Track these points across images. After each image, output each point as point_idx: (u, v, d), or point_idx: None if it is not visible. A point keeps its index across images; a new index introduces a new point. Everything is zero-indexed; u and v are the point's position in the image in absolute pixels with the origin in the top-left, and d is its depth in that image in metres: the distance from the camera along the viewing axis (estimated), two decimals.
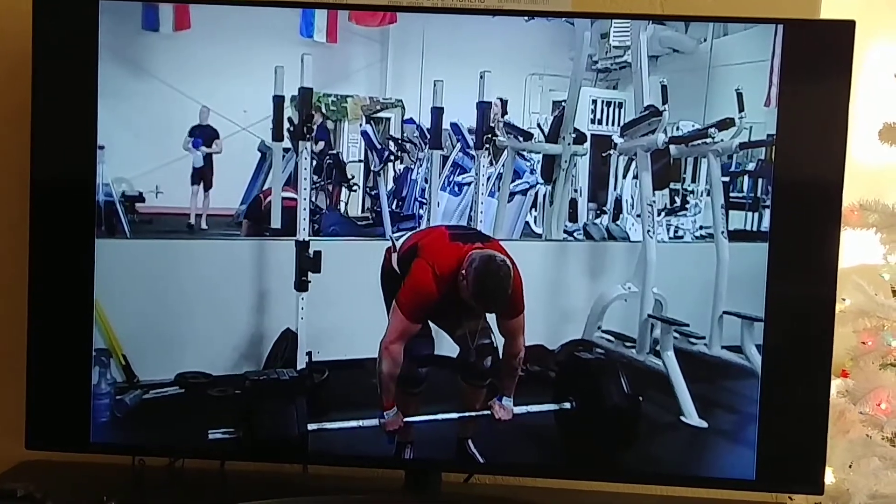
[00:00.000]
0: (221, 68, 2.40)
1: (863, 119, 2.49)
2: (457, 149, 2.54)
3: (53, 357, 2.44)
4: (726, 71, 2.40)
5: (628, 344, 2.52)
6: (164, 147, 2.43)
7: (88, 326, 2.42)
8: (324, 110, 2.48)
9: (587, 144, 2.56)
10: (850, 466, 2.51)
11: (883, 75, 2.53)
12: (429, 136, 2.46)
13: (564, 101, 2.49)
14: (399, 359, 2.39)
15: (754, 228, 2.41)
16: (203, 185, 2.46)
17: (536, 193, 2.61)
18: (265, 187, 2.48)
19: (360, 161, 2.55)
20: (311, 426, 2.41)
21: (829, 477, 2.46)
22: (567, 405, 2.48)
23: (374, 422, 2.42)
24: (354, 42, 2.43)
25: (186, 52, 2.39)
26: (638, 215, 2.52)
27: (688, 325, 2.46)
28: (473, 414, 2.46)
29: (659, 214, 2.51)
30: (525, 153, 2.57)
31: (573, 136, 2.54)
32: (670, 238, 2.54)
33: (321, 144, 2.50)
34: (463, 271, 2.34)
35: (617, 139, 2.51)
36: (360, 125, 2.51)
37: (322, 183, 2.52)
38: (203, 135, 2.43)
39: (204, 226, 2.49)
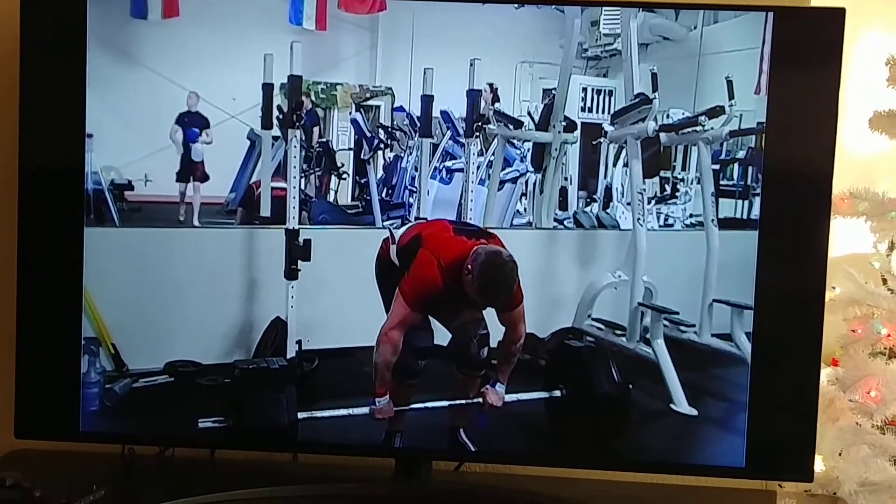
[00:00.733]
0: (210, 56, 2.40)
1: (853, 107, 2.49)
2: (447, 137, 2.53)
3: (42, 346, 2.43)
4: (716, 59, 2.40)
5: (618, 332, 2.52)
6: (153, 135, 2.42)
7: (77, 315, 2.41)
8: (313, 98, 2.47)
9: (577, 132, 2.56)
10: (839, 454, 2.52)
11: (873, 63, 2.53)
12: (419, 124, 2.45)
13: (554, 88, 2.49)
14: (398, 346, 2.39)
15: (744, 216, 2.41)
16: (194, 178, 2.45)
17: (527, 181, 2.61)
18: (255, 178, 2.47)
19: (349, 149, 2.55)
20: (301, 415, 2.41)
21: (819, 465, 2.47)
22: (557, 393, 2.49)
23: (365, 410, 2.41)
24: (344, 29, 2.42)
25: (175, 39, 2.38)
26: (628, 203, 2.52)
27: (678, 313, 2.46)
28: (465, 402, 2.46)
29: (649, 202, 2.51)
30: (515, 141, 2.57)
31: (563, 124, 2.54)
32: (660, 226, 2.55)
33: (316, 131, 2.49)
34: (468, 265, 2.32)
35: (607, 127, 2.50)
36: (350, 113, 2.50)
37: (311, 171, 2.52)
38: (193, 124, 2.42)
39: (196, 222, 2.48)
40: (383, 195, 2.56)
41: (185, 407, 2.45)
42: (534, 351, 2.49)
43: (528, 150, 2.59)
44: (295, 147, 2.42)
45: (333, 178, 2.56)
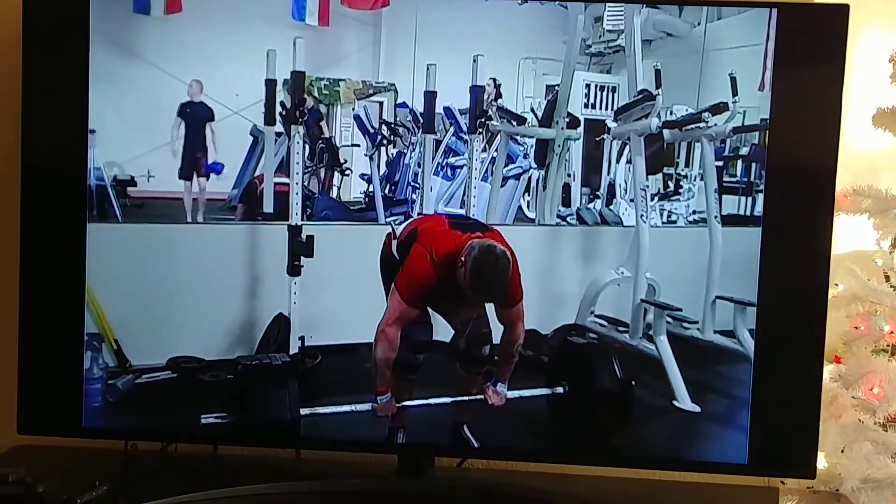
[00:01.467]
0: (213, 52, 2.39)
1: (856, 104, 2.48)
2: (450, 133, 2.53)
3: (45, 342, 2.43)
4: (720, 55, 2.39)
5: (621, 328, 2.52)
6: (156, 131, 2.42)
7: (80, 311, 2.41)
8: (316, 94, 2.47)
9: (580, 129, 2.56)
10: (842, 451, 2.51)
11: (877, 60, 2.52)
12: (422, 121, 2.45)
13: (558, 85, 2.49)
14: (395, 343, 2.39)
15: (747, 213, 2.40)
16: (198, 174, 2.44)
17: (530, 178, 2.61)
18: (257, 172, 2.47)
19: (353, 145, 2.55)
20: (303, 411, 2.41)
21: (822, 461, 2.47)
22: (560, 390, 2.48)
23: (367, 406, 2.42)
24: (347, 25, 2.42)
25: (178, 35, 2.38)
26: (631, 200, 2.52)
27: (681, 310, 2.46)
28: (468, 398, 2.46)
29: (652, 199, 2.51)
30: (518, 137, 2.57)
31: (566, 120, 2.53)
32: (663, 223, 2.54)
33: (321, 127, 2.49)
34: (462, 258, 2.32)
35: (610, 123, 2.50)
36: (353, 109, 2.50)
37: (314, 167, 2.52)
38: (196, 115, 2.40)
39: (200, 219, 2.48)
40: (386, 191, 2.56)
41: (187, 403, 2.45)
42: (537, 347, 2.49)
43: (532, 147, 2.59)
44: (298, 143, 2.42)
45: (336, 174, 2.56)
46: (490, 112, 2.45)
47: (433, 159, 2.53)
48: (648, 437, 2.45)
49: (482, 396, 2.46)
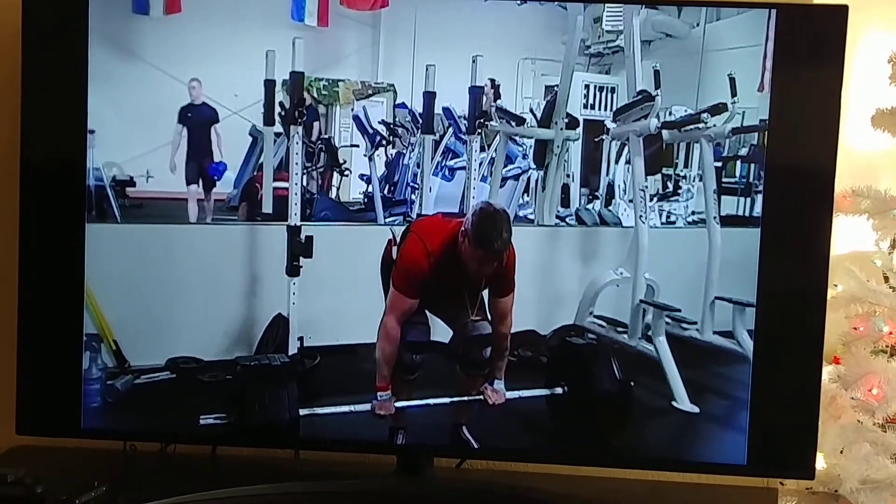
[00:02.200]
0: (212, 52, 2.39)
1: (855, 105, 2.48)
2: (449, 133, 2.53)
3: (44, 342, 2.43)
4: (719, 56, 2.39)
5: (620, 329, 2.52)
6: (155, 131, 2.42)
7: (79, 311, 2.41)
8: (315, 94, 2.47)
9: (580, 129, 2.56)
10: (841, 452, 2.52)
11: (876, 61, 2.52)
12: (421, 121, 2.45)
13: (557, 85, 2.49)
14: (394, 335, 2.39)
15: (746, 214, 2.40)
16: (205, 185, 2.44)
17: (529, 178, 2.61)
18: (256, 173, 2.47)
19: (352, 145, 2.55)
20: (302, 411, 2.41)
21: (821, 462, 2.47)
22: (559, 390, 2.48)
23: (366, 407, 2.42)
24: (346, 26, 2.42)
25: (177, 35, 2.38)
26: (630, 200, 2.52)
27: (680, 311, 2.46)
28: (467, 399, 2.46)
29: (651, 199, 2.51)
30: (517, 138, 2.57)
31: (566, 120, 2.53)
32: (662, 223, 2.54)
33: (316, 127, 2.49)
34: (462, 229, 2.33)
35: (609, 124, 2.50)
36: (352, 109, 2.50)
37: (313, 168, 2.52)
38: (200, 119, 2.39)
39: (209, 220, 2.47)
40: (385, 192, 2.56)
41: (186, 403, 2.45)
42: (536, 348, 2.49)
43: (531, 147, 2.59)
44: (297, 143, 2.42)
45: (335, 174, 2.56)
46: (489, 112, 2.45)
47: (432, 160, 2.53)
48: (647, 438, 2.45)
49: (481, 397, 2.46)
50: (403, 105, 2.45)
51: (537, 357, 2.50)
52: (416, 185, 2.53)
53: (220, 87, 2.40)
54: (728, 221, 2.46)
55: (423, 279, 2.39)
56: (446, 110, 2.45)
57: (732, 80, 2.38)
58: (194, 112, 2.39)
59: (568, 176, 2.59)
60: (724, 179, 2.48)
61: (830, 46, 2.27)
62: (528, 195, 2.61)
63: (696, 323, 2.48)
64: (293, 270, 2.43)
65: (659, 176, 2.55)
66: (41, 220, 2.42)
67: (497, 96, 2.43)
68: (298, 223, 2.44)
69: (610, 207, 2.57)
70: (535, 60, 2.46)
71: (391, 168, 2.57)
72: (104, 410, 2.45)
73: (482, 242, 2.32)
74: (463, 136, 2.50)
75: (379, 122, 2.54)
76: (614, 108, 2.51)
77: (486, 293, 2.43)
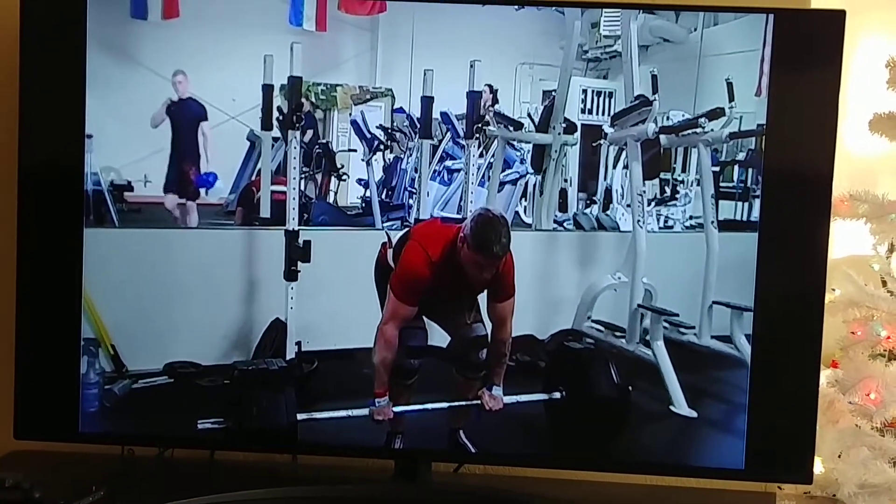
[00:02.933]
0: (210, 57, 2.39)
1: (853, 109, 2.49)
2: (447, 138, 2.53)
3: (42, 347, 2.43)
4: (717, 60, 2.39)
5: (618, 334, 2.52)
6: (153, 136, 2.42)
7: (77, 316, 2.41)
8: (313, 99, 2.47)
9: (577, 134, 2.56)
10: (839, 456, 2.52)
11: (873, 65, 2.53)
12: (419, 126, 2.45)
13: (555, 90, 2.49)
14: (393, 342, 2.39)
15: (744, 218, 2.41)
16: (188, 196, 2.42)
17: (526, 183, 2.61)
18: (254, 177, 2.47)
19: (349, 150, 2.55)
20: (300, 416, 2.41)
21: (819, 467, 2.47)
22: (557, 395, 2.48)
23: (364, 412, 2.41)
24: (344, 31, 2.42)
25: (175, 40, 2.38)
26: (628, 205, 2.52)
27: (677, 315, 2.46)
28: (465, 404, 2.46)
29: (649, 204, 2.51)
30: (515, 143, 2.57)
31: (563, 125, 2.54)
32: (660, 228, 2.54)
33: (309, 133, 2.49)
34: (461, 235, 2.33)
35: (607, 129, 2.50)
36: (350, 114, 2.50)
37: (311, 172, 2.52)
38: (185, 114, 2.37)
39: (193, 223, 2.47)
40: (383, 196, 2.56)
41: (184, 408, 2.45)
42: (533, 353, 2.49)
43: (528, 152, 2.59)
44: (295, 148, 2.42)
45: (333, 179, 2.56)
46: (487, 117, 2.46)
47: (430, 165, 2.53)
48: (645, 443, 2.45)
49: (479, 402, 2.46)
50: (401, 110, 2.45)
51: (535, 362, 2.50)
52: (414, 190, 2.53)
53: (218, 91, 2.40)
54: (726, 226, 2.46)
55: (424, 287, 2.39)
56: (444, 115, 2.45)
57: (730, 85, 2.38)
58: (179, 108, 2.37)
59: (566, 181, 2.59)
60: (721, 184, 2.48)
61: (828, 51, 2.27)
62: (525, 200, 2.61)
63: (693, 327, 2.48)
64: (291, 275, 2.43)
65: (657, 180, 2.55)
66: (39, 224, 2.42)
67: (495, 101, 2.44)
68: (296, 228, 2.44)
69: (608, 212, 2.57)
70: (533, 65, 2.46)
71: (389, 173, 2.57)
72: (102, 415, 2.45)
73: (482, 248, 2.32)
74: (461, 141, 2.50)
75: (377, 127, 2.54)
76: (612, 113, 2.51)
77: (484, 297, 2.43)
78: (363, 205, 2.57)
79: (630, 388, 2.44)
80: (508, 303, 2.41)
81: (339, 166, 2.55)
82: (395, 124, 2.51)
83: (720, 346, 2.46)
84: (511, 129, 2.51)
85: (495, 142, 2.54)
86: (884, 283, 2.56)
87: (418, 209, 2.51)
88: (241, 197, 2.47)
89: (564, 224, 2.56)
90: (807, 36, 2.29)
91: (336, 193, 2.57)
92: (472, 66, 2.38)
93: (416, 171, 2.53)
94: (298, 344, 2.46)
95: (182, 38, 2.38)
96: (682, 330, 2.47)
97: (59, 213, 2.41)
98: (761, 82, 2.33)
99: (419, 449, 2.48)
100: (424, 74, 2.39)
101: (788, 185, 2.32)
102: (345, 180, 2.56)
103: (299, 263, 2.43)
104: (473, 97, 2.41)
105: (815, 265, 2.31)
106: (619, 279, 2.50)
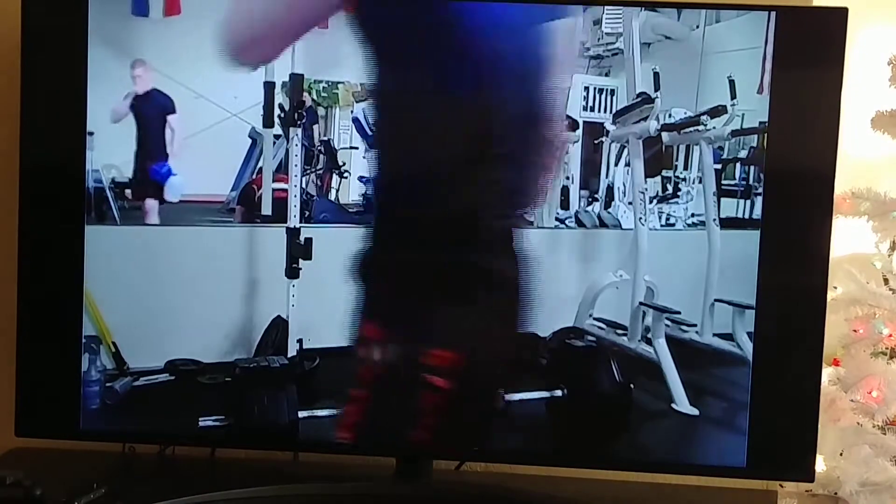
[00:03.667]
0: (212, 54, 2.39)
1: (855, 107, 2.48)
2: None
3: (43, 344, 2.43)
4: (719, 58, 2.39)
5: (619, 331, 2.51)
6: None
7: (78, 313, 2.41)
8: (314, 97, 2.46)
9: (579, 131, 2.55)
10: (840, 454, 2.52)
11: (876, 63, 2.53)
12: None
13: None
14: None
15: (746, 216, 2.40)
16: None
17: None
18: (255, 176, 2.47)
19: (351, 147, 2.54)
20: (301, 413, 2.41)
21: (820, 465, 2.47)
22: (558, 393, 2.48)
23: None
24: (346, 28, 2.41)
25: (177, 37, 2.38)
26: (630, 203, 2.52)
27: (679, 313, 2.45)
28: None
29: (651, 202, 2.51)
30: None
31: (565, 122, 2.53)
32: (662, 226, 2.54)
33: (316, 130, 2.49)
34: None
35: (609, 126, 2.50)
36: (352, 112, 2.50)
37: (312, 170, 2.51)
38: (149, 109, 2.34)
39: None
40: None
41: (185, 405, 2.45)
42: (535, 350, 2.49)
43: None
44: (296, 146, 2.42)
45: (335, 176, 2.56)
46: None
47: None
48: (647, 441, 2.45)
49: None
50: None
51: (537, 359, 2.50)
52: None
53: (219, 88, 2.39)
54: (727, 224, 2.46)
55: None
56: None
57: (732, 83, 2.37)
58: (142, 102, 2.34)
59: (567, 178, 2.59)
60: (723, 182, 2.48)
61: (830, 48, 2.27)
62: None
63: (695, 325, 2.48)
64: (292, 272, 2.43)
65: (658, 178, 2.54)
66: (40, 221, 2.42)
67: None
68: (298, 225, 2.44)
69: (609, 210, 2.56)
70: None
71: None
72: (103, 412, 2.45)
73: None
74: None
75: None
76: (614, 111, 2.50)
77: None
78: (365, 202, 2.57)
79: (632, 385, 2.44)
80: None
81: (340, 164, 2.55)
82: None
83: (722, 344, 2.46)
84: None
85: None
86: (886, 281, 2.56)
87: None
88: (242, 195, 2.47)
89: (566, 222, 2.55)
90: (809, 33, 2.29)
91: (338, 191, 2.56)
92: None
93: None
94: (300, 341, 2.46)
95: (183, 35, 2.38)
96: (684, 328, 2.47)
97: (61, 210, 2.41)
98: (763, 80, 2.32)
99: (421, 446, 2.48)
100: None
101: (790, 182, 2.32)
102: (346, 178, 2.56)
103: (301, 261, 2.43)
104: None
105: (817, 263, 2.31)
106: (620, 277, 2.50)
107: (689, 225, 2.54)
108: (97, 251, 2.41)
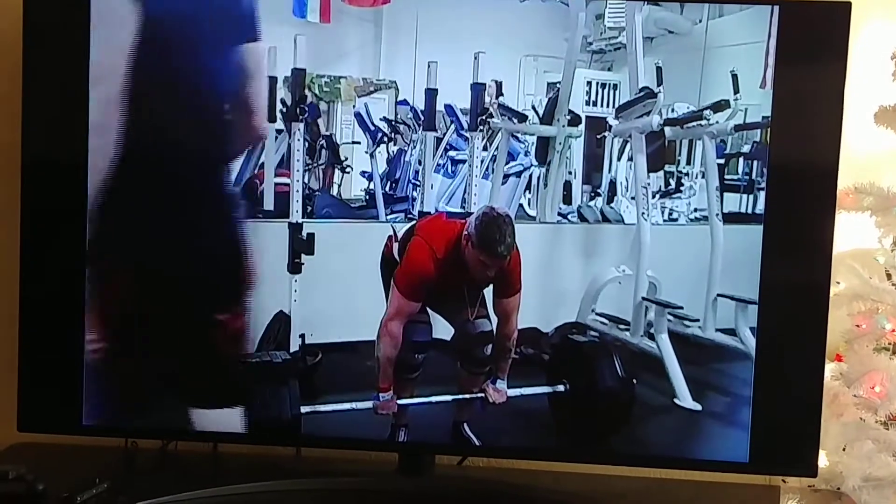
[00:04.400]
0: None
1: (858, 102, 2.48)
2: (451, 130, 2.53)
3: (45, 339, 2.43)
4: (721, 52, 2.39)
5: (622, 326, 2.51)
6: None
7: (80, 309, 2.41)
8: (317, 91, 2.46)
9: (582, 126, 2.55)
10: (843, 449, 2.51)
11: (878, 57, 2.52)
12: (423, 118, 2.45)
13: (559, 82, 2.48)
14: (398, 339, 2.39)
15: (749, 211, 2.40)
16: None
17: (530, 175, 2.60)
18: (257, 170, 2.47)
19: (353, 142, 2.54)
20: (304, 409, 2.41)
21: (823, 460, 2.46)
22: (561, 388, 2.48)
23: (368, 404, 2.41)
24: (348, 22, 2.41)
25: None
26: (632, 198, 2.52)
27: (682, 308, 2.45)
28: (469, 396, 2.46)
29: (653, 197, 2.51)
30: (519, 135, 2.56)
31: (568, 117, 2.53)
32: (665, 220, 2.54)
33: (318, 125, 2.49)
34: (465, 233, 2.34)
35: (612, 121, 2.50)
36: (354, 106, 2.50)
37: (314, 165, 2.51)
38: None
39: None
40: (387, 189, 2.56)
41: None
42: (537, 345, 2.49)
43: (533, 144, 2.58)
44: (298, 140, 2.42)
45: (337, 171, 2.56)
46: (491, 109, 2.45)
47: (434, 157, 2.53)
48: (649, 436, 2.45)
49: (483, 395, 2.45)
50: (405, 102, 2.45)
51: (539, 354, 2.50)
52: (418, 182, 2.53)
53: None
54: (730, 218, 2.46)
55: (428, 283, 2.39)
56: (448, 107, 2.44)
57: (735, 77, 2.37)
58: None
59: (570, 173, 2.59)
60: (726, 176, 2.48)
61: (833, 43, 2.26)
62: (529, 192, 2.61)
63: (698, 320, 2.48)
64: (295, 268, 2.43)
65: (661, 173, 2.54)
66: (42, 217, 2.41)
67: (499, 93, 2.43)
68: (300, 220, 2.43)
69: (612, 204, 2.56)
70: (538, 57, 2.46)
71: (393, 165, 2.57)
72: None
73: (486, 248, 2.33)
74: (465, 133, 2.50)
75: (380, 119, 2.54)
76: (616, 105, 2.50)
77: (489, 293, 2.43)
78: (367, 197, 2.57)
79: (634, 380, 2.44)
80: (514, 299, 2.41)
81: (342, 158, 2.55)
82: (398, 116, 2.51)
83: (724, 339, 2.46)
84: (515, 121, 2.50)
85: (499, 134, 2.54)
86: (888, 276, 2.56)
87: (422, 202, 2.50)
88: (245, 189, 2.46)
89: (568, 216, 2.55)
90: (812, 28, 2.29)
91: (340, 186, 2.56)
92: (476, 58, 2.38)
93: (419, 163, 2.53)
94: (302, 336, 2.46)
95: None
96: (687, 323, 2.47)
97: (63, 206, 2.40)
98: (766, 74, 2.32)
99: (423, 442, 2.48)
100: (428, 66, 2.38)
101: (793, 177, 2.32)
102: (348, 172, 2.56)
103: (303, 256, 2.43)
104: (478, 89, 2.41)
105: (820, 258, 2.31)
106: (623, 272, 2.50)
107: (691, 220, 2.54)
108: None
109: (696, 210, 2.53)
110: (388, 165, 2.56)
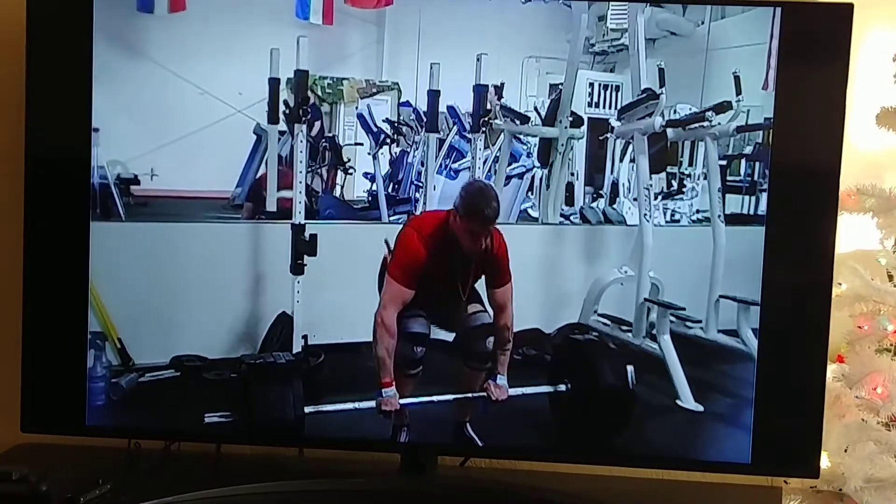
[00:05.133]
0: (217, 50, 2.39)
1: (860, 103, 2.48)
2: (453, 132, 2.53)
3: (49, 340, 2.43)
4: (724, 54, 2.39)
5: (624, 328, 2.51)
6: (159, 130, 2.42)
7: (84, 310, 2.41)
8: (319, 93, 2.47)
9: (584, 128, 2.55)
10: (845, 451, 2.51)
11: (881, 59, 2.52)
12: (425, 119, 2.45)
13: (561, 84, 2.49)
14: (393, 328, 2.39)
15: (751, 212, 2.40)
16: None
17: (533, 177, 2.61)
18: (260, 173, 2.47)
19: (356, 144, 2.55)
20: (307, 409, 2.41)
21: (825, 461, 2.46)
22: (563, 388, 2.48)
23: (371, 405, 2.42)
24: (350, 24, 2.42)
25: (182, 33, 2.38)
26: (635, 199, 2.52)
27: (684, 309, 2.46)
28: (471, 396, 2.47)
29: (656, 198, 2.51)
30: (522, 136, 2.57)
31: (570, 119, 2.53)
32: (667, 222, 2.54)
33: (316, 126, 2.49)
34: (453, 208, 2.37)
35: (614, 122, 2.50)
36: (356, 108, 2.50)
37: (317, 166, 2.52)
38: None
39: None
40: (389, 190, 2.56)
41: (191, 401, 2.45)
42: (540, 346, 2.49)
43: (535, 146, 2.59)
44: (301, 142, 2.42)
45: (340, 172, 2.56)
46: (493, 111, 2.45)
47: (436, 158, 2.53)
48: (651, 436, 2.45)
49: (484, 393, 2.46)
50: (408, 103, 2.45)
51: (541, 355, 2.50)
52: (421, 184, 2.53)
53: (224, 85, 2.40)
54: (732, 220, 2.46)
55: (420, 267, 2.39)
56: (451, 109, 2.45)
57: (737, 79, 2.37)
58: None
59: (572, 174, 2.59)
60: (728, 178, 2.48)
61: (835, 44, 2.27)
62: (532, 193, 2.61)
63: (700, 321, 2.48)
64: (297, 269, 2.43)
65: (663, 174, 2.54)
66: (46, 218, 2.42)
67: (501, 95, 2.43)
68: (303, 221, 2.44)
69: (614, 206, 2.56)
70: (540, 59, 2.46)
71: (395, 166, 2.57)
72: (109, 408, 2.46)
73: (473, 213, 2.35)
74: (467, 135, 2.50)
75: (383, 121, 2.54)
76: (619, 107, 2.50)
77: (482, 287, 2.44)
78: (369, 198, 2.57)
79: (635, 381, 2.44)
80: (506, 288, 2.42)
81: (345, 160, 2.55)
82: (401, 118, 2.51)
83: (727, 341, 2.46)
84: (517, 122, 2.50)
85: (502, 135, 2.54)
86: (890, 278, 2.55)
87: (425, 203, 2.50)
88: (251, 193, 2.47)
89: (571, 218, 2.55)
90: (814, 29, 2.29)
91: (342, 187, 2.57)
92: (478, 59, 2.38)
93: (422, 164, 2.53)
94: (305, 337, 2.46)
95: (188, 31, 2.38)
96: (689, 324, 2.47)
97: (66, 206, 2.41)
98: (768, 76, 2.32)
99: (426, 442, 2.48)
100: (431, 68, 2.39)
101: (795, 179, 2.32)
102: (351, 174, 2.56)
103: (306, 257, 2.43)
104: (480, 91, 2.41)
105: (822, 259, 2.31)
106: (625, 273, 2.50)
107: (693, 221, 2.54)
108: (102, 247, 2.41)
109: (698, 211, 2.54)
110: (390, 167, 2.57)
